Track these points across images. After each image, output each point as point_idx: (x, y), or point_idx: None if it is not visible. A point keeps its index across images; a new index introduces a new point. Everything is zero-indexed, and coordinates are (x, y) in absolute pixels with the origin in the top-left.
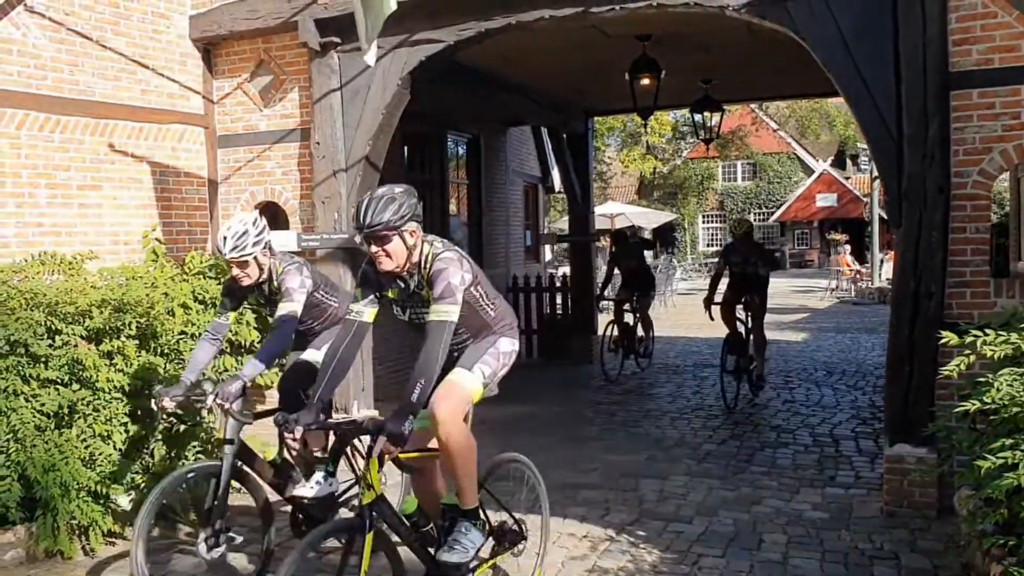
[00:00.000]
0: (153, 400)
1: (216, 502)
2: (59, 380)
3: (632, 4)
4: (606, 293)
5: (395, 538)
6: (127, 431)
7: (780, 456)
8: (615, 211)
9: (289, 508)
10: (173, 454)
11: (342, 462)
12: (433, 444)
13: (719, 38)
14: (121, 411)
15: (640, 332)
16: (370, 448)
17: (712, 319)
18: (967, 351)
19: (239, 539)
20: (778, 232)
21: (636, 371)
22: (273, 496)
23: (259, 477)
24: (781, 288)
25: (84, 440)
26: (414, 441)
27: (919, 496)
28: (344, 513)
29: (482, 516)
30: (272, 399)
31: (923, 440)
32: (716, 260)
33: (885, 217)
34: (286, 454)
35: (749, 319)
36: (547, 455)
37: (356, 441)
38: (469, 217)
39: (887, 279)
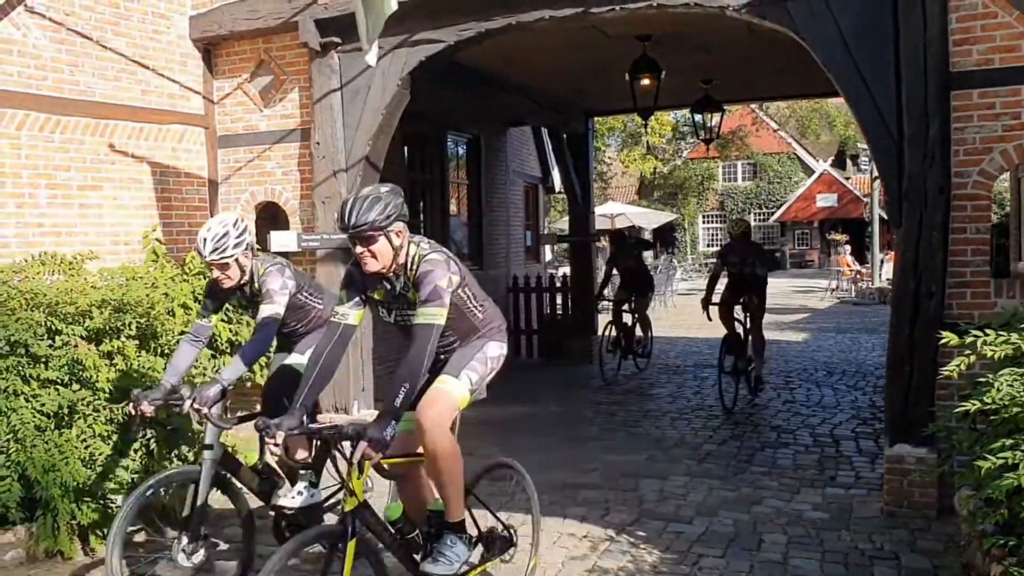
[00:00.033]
0: (131, 404)
1: (195, 509)
2: (59, 380)
3: (632, 4)
4: (605, 293)
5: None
6: (128, 431)
7: (780, 456)
8: (615, 211)
9: (272, 514)
10: (174, 454)
11: (327, 466)
12: (419, 449)
13: (719, 38)
14: (122, 411)
15: (639, 332)
16: (351, 454)
17: (710, 319)
18: (967, 351)
19: (223, 546)
20: (778, 232)
21: (634, 372)
22: (256, 502)
23: (243, 485)
24: (781, 288)
25: (84, 440)
26: (398, 446)
27: (919, 496)
28: (330, 519)
29: (468, 530)
30: None
31: (923, 440)
32: (715, 260)
33: (885, 217)
34: (269, 460)
35: (747, 320)
36: (547, 455)
37: (343, 445)
38: (469, 217)
39: (887, 279)
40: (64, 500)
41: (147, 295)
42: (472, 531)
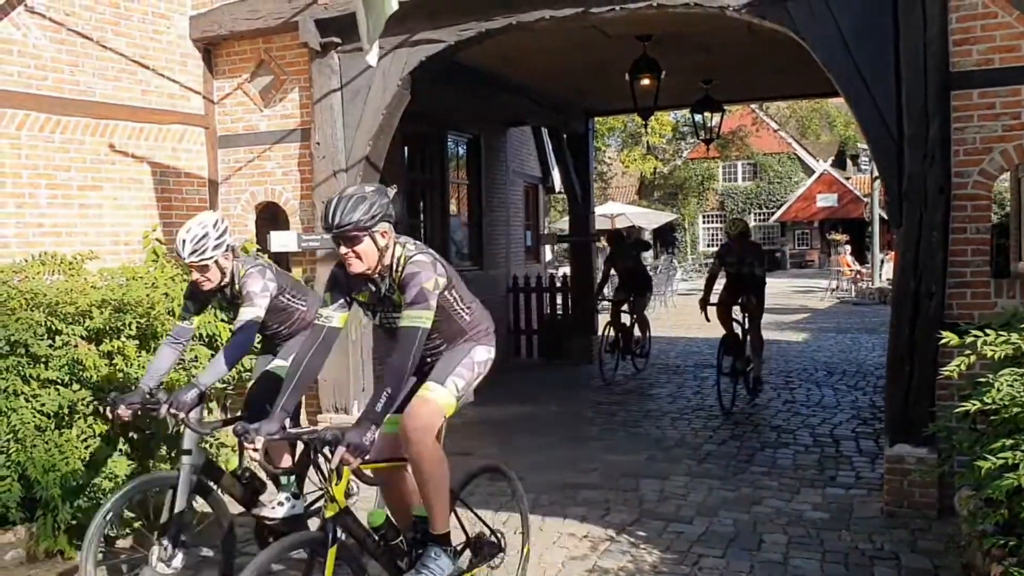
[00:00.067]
0: (108, 408)
1: (172, 515)
2: (59, 380)
3: (632, 4)
4: (604, 293)
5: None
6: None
7: (780, 456)
8: (616, 211)
9: (254, 519)
10: (174, 454)
11: (310, 472)
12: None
13: (719, 38)
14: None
15: (637, 333)
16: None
17: (708, 320)
18: (967, 351)
19: (207, 552)
20: (778, 232)
21: (633, 372)
22: (237, 508)
23: (226, 492)
24: (781, 288)
25: (84, 440)
26: (384, 450)
27: (919, 496)
28: (315, 524)
29: (453, 540)
30: None
31: (923, 440)
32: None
33: (885, 217)
34: (252, 466)
35: (746, 320)
36: (547, 455)
37: (324, 450)
38: (469, 217)
39: (887, 279)
40: (64, 500)
41: (147, 295)
42: (460, 536)
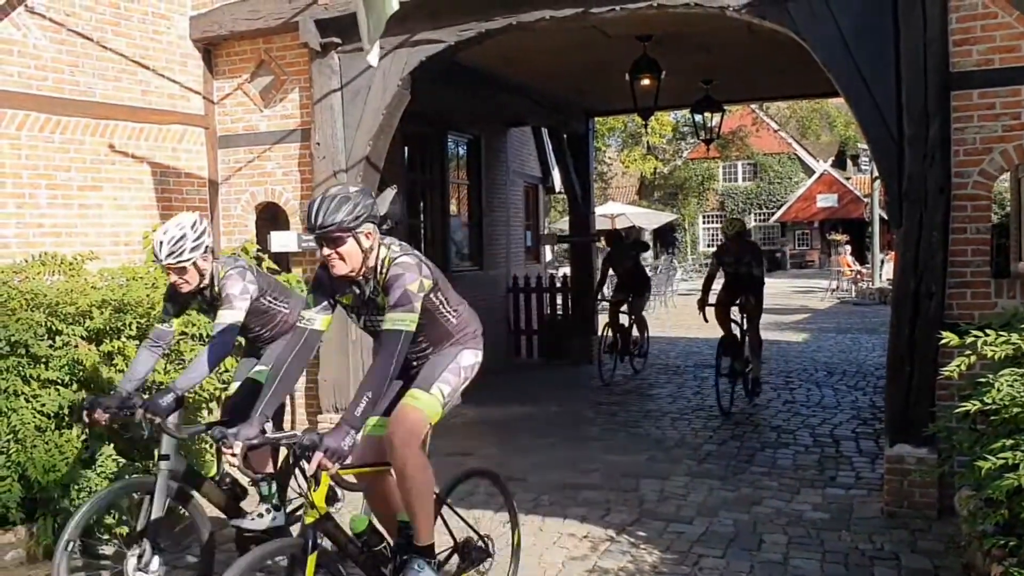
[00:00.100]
0: (84, 412)
1: (149, 521)
2: (59, 381)
3: (632, 4)
4: (603, 293)
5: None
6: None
7: (780, 457)
8: (616, 211)
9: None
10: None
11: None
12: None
13: (719, 38)
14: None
15: (635, 333)
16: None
17: (706, 321)
18: (967, 351)
19: (190, 559)
20: (779, 233)
21: (631, 373)
22: (216, 513)
23: (206, 498)
24: (782, 289)
25: (85, 440)
26: (369, 454)
27: (919, 496)
28: (296, 530)
29: (440, 548)
30: None
31: (923, 440)
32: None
33: (886, 217)
34: (232, 472)
35: (744, 320)
36: (547, 455)
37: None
38: (469, 217)
39: (887, 279)
40: (64, 500)
41: (147, 295)
42: (448, 541)
